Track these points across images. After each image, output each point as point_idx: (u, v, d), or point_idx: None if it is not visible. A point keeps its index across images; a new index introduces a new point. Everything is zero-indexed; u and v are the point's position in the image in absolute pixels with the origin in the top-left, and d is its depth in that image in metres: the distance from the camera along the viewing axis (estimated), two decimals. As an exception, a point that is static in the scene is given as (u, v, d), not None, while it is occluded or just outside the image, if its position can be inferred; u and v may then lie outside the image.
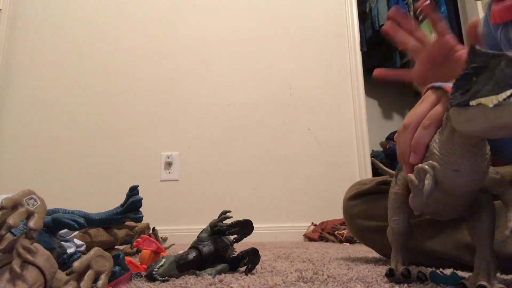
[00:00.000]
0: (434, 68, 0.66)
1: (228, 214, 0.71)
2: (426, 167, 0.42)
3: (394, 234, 0.53)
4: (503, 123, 0.33)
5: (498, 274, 0.54)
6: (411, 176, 0.43)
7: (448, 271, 0.58)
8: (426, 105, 0.47)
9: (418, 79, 0.68)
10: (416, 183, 0.42)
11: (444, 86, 0.46)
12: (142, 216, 0.65)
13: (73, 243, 0.80)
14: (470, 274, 0.43)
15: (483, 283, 0.40)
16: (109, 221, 0.63)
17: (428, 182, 0.42)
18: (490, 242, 0.41)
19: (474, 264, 0.43)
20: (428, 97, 0.48)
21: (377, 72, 0.66)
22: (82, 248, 0.86)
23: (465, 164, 0.40)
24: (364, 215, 0.82)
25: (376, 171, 2.33)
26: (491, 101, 0.33)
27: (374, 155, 2.48)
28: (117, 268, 0.53)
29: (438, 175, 0.42)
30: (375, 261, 0.80)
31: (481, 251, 0.42)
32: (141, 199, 0.64)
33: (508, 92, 0.32)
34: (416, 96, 2.65)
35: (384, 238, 0.76)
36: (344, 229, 1.57)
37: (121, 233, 1.09)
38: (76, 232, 0.81)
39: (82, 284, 0.42)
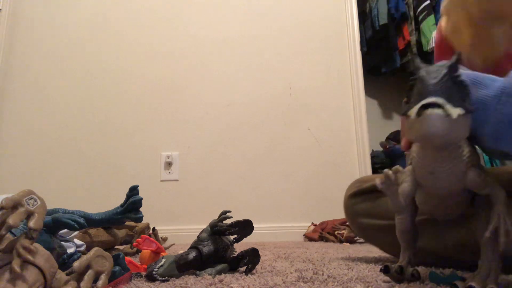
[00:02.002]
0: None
1: (228, 214, 0.71)
2: (389, 172, 0.43)
3: (399, 232, 0.54)
4: (421, 134, 0.35)
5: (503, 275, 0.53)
6: (378, 181, 0.44)
7: (447, 271, 0.58)
8: None
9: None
10: (380, 187, 0.44)
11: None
12: (142, 216, 0.65)
13: (73, 243, 0.80)
14: (470, 273, 0.43)
15: (473, 284, 0.40)
16: (109, 221, 0.63)
17: (406, 184, 0.44)
18: (491, 242, 0.42)
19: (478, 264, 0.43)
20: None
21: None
22: (82, 248, 0.86)
23: (439, 166, 0.41)
24: (367, 213, 0.81)
25: (376, 171, 2.33)
26: (412, 113, 0.35)
27: (374, 155, 2.48)
28: (117, 268, 0.53)
29: (417, 177, 0.44)
30: (375, 261, 0.80)
31: (483, 251, 0.42)
32: (141, 199, 0.64)
33: (416, 107, 0.34)
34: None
35: (388, 236, 0.76)
36: (344, 229, 1.57)
37: (121, 233, 1.09)
38: (76, 232, 0.81)
39: (82, 284, 0.42)
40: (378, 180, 0.44)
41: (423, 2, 2.45)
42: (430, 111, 0.34)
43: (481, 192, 0.43)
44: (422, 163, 0.43)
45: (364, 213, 0.82)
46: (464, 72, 0.44)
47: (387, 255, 0.93)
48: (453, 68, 0.36)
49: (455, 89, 0.36)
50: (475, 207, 0.45)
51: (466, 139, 0.43)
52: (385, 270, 0.52)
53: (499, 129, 0.42)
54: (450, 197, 0.45)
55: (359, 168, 2.04)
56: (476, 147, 0.47)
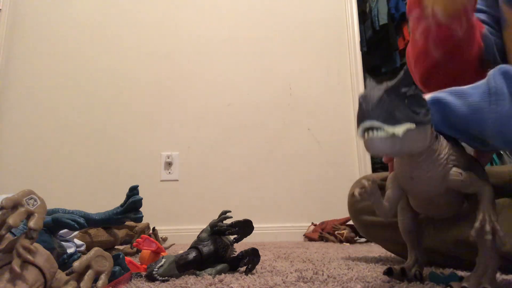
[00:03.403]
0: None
1: (228, 214, 0.71)
2: (365, 183, 0.45)
3: (402, 232, 0.54)
4: (369, 152, 0.37)
5: (498, 274, 0.54)
6: (356, 191, 0.45)
7: (447, 271, 0.58)
8: None
9: None
10: (358, 198, 0.45)
11: None
12: (142, 216, 0.65)
13: (73, 243, 0.80)
14: (469, 273, 0.43)
15: (466, 285, 0.41)
16: (109, 221, 0.63)
17: (390, 191, 0.45)
18: (486, 240, 0.42)
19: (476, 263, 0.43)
20: None
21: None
22: (82, 248, 0.86)
23: (416, 172, 0.43)
24: (368, 210, 0.82)
25: (376, 171, 2.33)
26: (358, 134, 0.37)
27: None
28: (117, 268, 0.53)
29: (399, 182, 0.46)
30: (375, 261, 0.80)
31: (480, 249, 0.42)
32: (141, 199, 0.64)
33: (358, 130, 0.36)
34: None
35: (389, 233, 0.77)
36: (344, 229, 1.57)
37: (121, 233, 1.09)
38: (76, 232, 0.81)
39: (82, 284, 0.42)
40: (356, 191, 0.45)
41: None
42: (370, 134, 0.35)
43: (466, 190, 0.44)
44: (401, 169, 0.45)
45: (367, 210, 0.83)
46: (445, 90, 0.46)
47: (387, 255, 0.93)
48: (395, 87, 0.37)
49: (401, 106, 0.36)
50: (470, 205, 0.46)
51: (446, 140, 0.44)
52: (388, 273, 0.52)
53: (500, 129, 0.42)
54: (438, 198, 0.45)
55: (359, 168, 2.04)
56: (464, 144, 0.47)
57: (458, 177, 0.42)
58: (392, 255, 0.90)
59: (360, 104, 0.36)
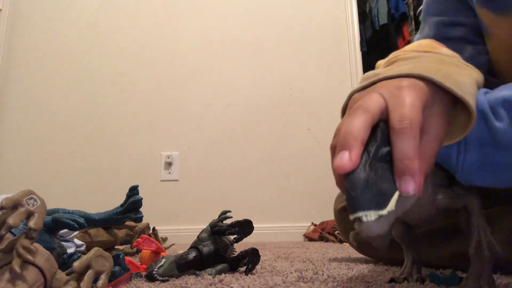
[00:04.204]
0: None
1: (228, 214, 0.71)
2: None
3: (396, 238, 0.54)
4: (366, 236, 0.33)
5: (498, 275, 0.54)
6: (351, 238, 0.45)
7: (447, 272, 0.58)
8: None
9: None
10: (354, 245, 0.44)
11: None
12: (142, 216, 0.65)
13: (73, 243, 0.80)
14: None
15: None
16: (109, 221, 0.64)
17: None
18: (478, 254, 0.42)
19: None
20: None
21: None
22: (82, 248, 0.86)
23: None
24: None
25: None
26: (351, 218, 0.32)
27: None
28: (117, 268, 0.53)
29: None
30: (375, 261, 0.80)
31: (472, 261, 0.42)
32: (141, 199, 0.64)
33: (351, 217, 0.31)
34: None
35: (383, 252, 0.76)
36: (344, 229, 1.57)
37: (121, 233, 1.09)
38: (76, 232, 0.81)
39: (82, 284, 0.42)
40: (351, 237, 0.44)
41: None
42: (363, 220, 0.31)
43: (456, 207, 0.43)
44: None
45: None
46: None
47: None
48: (376, 153, 0.33)
49: (386, 172, 0.33)
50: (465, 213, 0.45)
51: None
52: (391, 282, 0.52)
53: (469, 177, 0.39)
54: (430, 218, 0.45)
55: (359, 168, 2.04)
56: None
57: (447, 197, 0.42)
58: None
59: (347, 190, 0.33)
